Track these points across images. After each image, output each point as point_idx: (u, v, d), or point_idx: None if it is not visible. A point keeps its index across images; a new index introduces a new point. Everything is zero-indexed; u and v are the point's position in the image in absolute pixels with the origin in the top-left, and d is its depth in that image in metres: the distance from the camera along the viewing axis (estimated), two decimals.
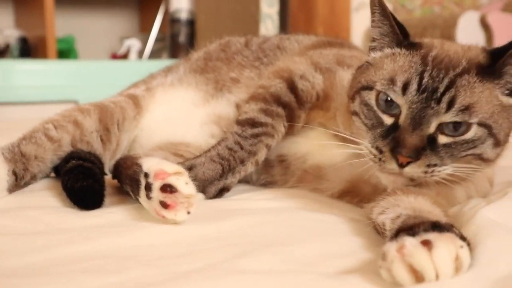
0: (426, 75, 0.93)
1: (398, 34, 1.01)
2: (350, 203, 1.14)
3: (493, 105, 0.94)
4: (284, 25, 3.66)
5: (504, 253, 0.76)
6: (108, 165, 1.27)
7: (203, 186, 1.13)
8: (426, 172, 0.93)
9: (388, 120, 0.97)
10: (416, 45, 1.00)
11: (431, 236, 0.69)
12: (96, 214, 1.00)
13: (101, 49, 3.89)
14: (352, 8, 3.67)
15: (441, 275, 0.66)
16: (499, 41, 2.69)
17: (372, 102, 0.99)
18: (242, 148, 1.16)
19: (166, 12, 3.52)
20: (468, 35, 2.94)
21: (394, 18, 1.02)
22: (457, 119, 0.92)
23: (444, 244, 0.68)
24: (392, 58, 1.00)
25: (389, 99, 0.96)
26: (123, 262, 0.77)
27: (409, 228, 0.75)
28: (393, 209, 0.87)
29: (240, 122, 1.19)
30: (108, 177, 1.20)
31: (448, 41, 1.08)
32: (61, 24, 3.49)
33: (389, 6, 3.92)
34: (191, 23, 3.37)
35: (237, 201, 1.15)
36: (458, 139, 0.93)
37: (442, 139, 0.93)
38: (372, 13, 1.03)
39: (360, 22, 3.73)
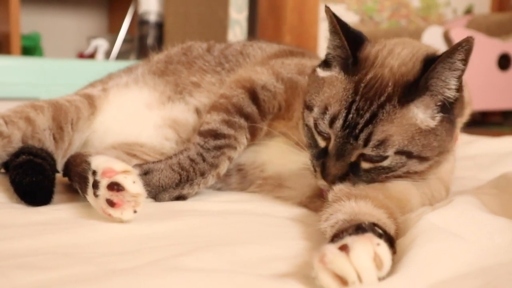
0: (353, 108, 0.96)
1: (347, 49, 1.01)
2: (318, 210, 1.11)
3: (412, 129, 0.95)
4: (253, 32, 3.67)
5: (442, 258, 0.78)
6: (60, 163, 1.24)
7: (156, 192, 1.12)
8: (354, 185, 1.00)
9: (321, 143, 1.02)
10: (358, 64, 1.00)
11: (349, 239, 0.71)
12: (42, 211, 0.99)
13: (68, 48, 3.83)
14: (320, 17, 3.71)
15: (362, 275, 0.67)
16: None
17: (311, 123, 1.03)
18: (204, 160, 1.15)
19: (135, 14, 3.49)
20: None
21: (347, 28, 1.01)
22: (373, 153, 0.96)
23: (361, 245, 0.69)
24: (331, 83, 1.01)
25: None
26: (62, 258, 0.75)
27: (339, 234, 0.77)
28: (335, 215, 0.89)
29: (202, 133, 1.18)
30: (59, 175, 1.19)
31: (407, 42, 1.06)
32: (27, 21, 3.43)
33: (357, 17, 4.03)
34: (159, 25, 3.35)
35: (191, 202, 1.14)
36: (377, 165, 0.98)
37: (365, 165, 0.99)
38: (328, 22, 1.03)
39: None
